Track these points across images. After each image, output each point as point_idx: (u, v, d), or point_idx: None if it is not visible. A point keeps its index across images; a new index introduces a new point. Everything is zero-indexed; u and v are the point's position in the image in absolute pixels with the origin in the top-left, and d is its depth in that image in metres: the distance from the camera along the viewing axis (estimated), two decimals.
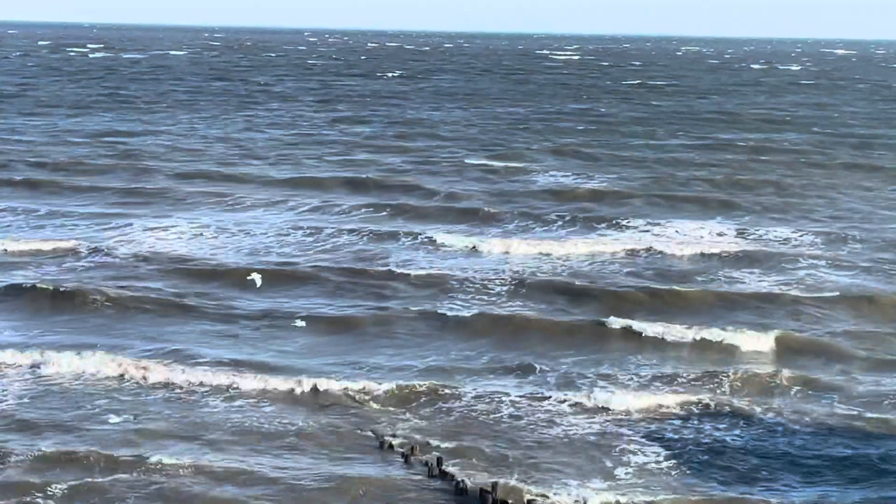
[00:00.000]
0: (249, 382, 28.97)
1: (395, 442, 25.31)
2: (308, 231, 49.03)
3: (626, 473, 24.16)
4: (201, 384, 29.02)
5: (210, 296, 38.09)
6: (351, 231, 48.94)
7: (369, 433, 25.99)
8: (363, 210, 54.26)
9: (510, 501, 21.97)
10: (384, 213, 53.69)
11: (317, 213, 53.79)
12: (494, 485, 22.40)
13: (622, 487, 23.40)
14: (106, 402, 27.72)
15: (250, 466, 23.87)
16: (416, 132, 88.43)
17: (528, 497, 22.24)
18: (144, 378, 29.33)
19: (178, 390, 28.71)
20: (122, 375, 29.59)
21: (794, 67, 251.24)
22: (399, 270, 41.62)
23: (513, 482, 23.15)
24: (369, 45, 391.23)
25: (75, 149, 74.11)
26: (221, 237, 47.52)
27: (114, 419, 26.47)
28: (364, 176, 63.69)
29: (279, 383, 29.01)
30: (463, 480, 22.88)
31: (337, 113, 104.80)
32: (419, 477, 23.62)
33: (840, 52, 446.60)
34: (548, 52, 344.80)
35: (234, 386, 28.89)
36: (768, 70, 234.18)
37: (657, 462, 24.84)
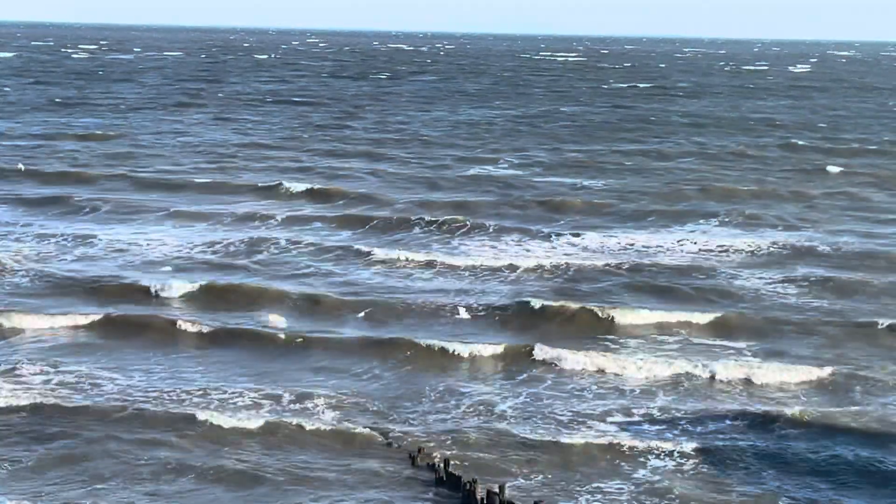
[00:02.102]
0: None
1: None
2: (248, 242, 46.66)
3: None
4: None
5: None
6: (290, 245, 46.48)
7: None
8: (311, 221, 51.89)
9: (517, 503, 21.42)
10: (333, 226, 51.18)
11: (260, 224, 51.49)
12: (502, 486, 22.23)
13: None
14: None
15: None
16: (389, 137, 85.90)
17: (534, 499, 21.95)
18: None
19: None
20: None
21: (795, 70, 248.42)
22: (329, 291, 39.29)
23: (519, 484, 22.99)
24: (373, 44, 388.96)
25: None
26: (135, 251, 45.03)
27: None
28: (313, 186, 60.53)
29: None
30: (471, 482, 22.53)
31: (315, 115, 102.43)
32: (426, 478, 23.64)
33: (845, 53, 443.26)
34: (548, 54, 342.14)
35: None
36: (767, 72, 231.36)
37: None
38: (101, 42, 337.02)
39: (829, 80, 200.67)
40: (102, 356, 31.82)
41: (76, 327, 34.64)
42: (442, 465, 23.69)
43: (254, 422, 26.54)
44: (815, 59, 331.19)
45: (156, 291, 38.44)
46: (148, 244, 45.87)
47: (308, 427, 26.33)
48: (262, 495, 22.89)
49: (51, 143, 77.06)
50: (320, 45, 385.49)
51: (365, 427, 26.43)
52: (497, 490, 22.05)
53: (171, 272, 41.11)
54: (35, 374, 29.73)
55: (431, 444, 25.33)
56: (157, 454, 24.74)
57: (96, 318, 35.20)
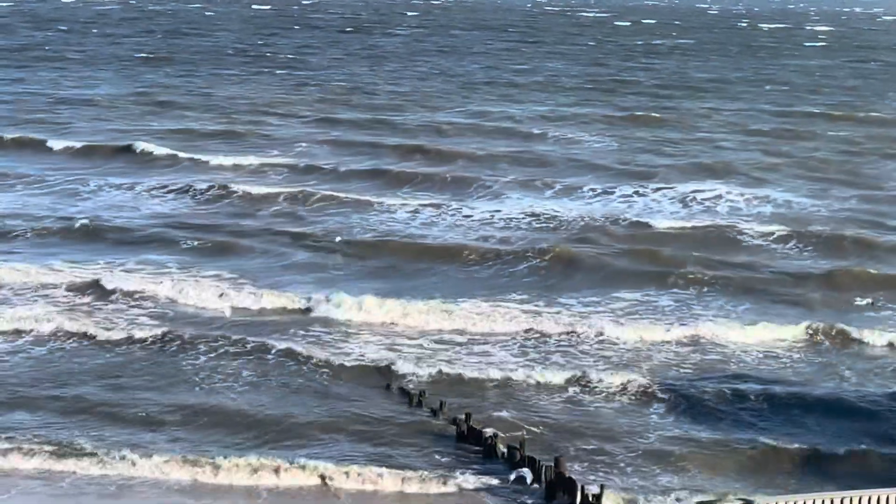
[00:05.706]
0: None
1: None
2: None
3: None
4: None
5: None
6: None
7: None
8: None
9: (537, 458, 21.67)
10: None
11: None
12: (522, 441, 22.56)
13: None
14: None
15: None
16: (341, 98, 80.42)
17: (556, 455, 22.01)
18: None
19: None
20: None
21: (810, 29, 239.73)
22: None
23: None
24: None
25: None
26: None
27: None
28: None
29: None
30: (492, 437, 22.85)
31: (289, 73, 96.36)
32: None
33: (871, 11, 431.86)
34: (560, 7, 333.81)
35: None
36: (775, 31, 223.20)
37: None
38: None
39: (842, 40, 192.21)
40: None
41: None
42: (464, 418, 23.78)
43: None
44: (844, 17, 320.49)
45: None
46: None
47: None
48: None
49: None
50: None
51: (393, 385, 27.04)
52: (518, 445, 22.30)
53: None
54: None
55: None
56: None
57: None
